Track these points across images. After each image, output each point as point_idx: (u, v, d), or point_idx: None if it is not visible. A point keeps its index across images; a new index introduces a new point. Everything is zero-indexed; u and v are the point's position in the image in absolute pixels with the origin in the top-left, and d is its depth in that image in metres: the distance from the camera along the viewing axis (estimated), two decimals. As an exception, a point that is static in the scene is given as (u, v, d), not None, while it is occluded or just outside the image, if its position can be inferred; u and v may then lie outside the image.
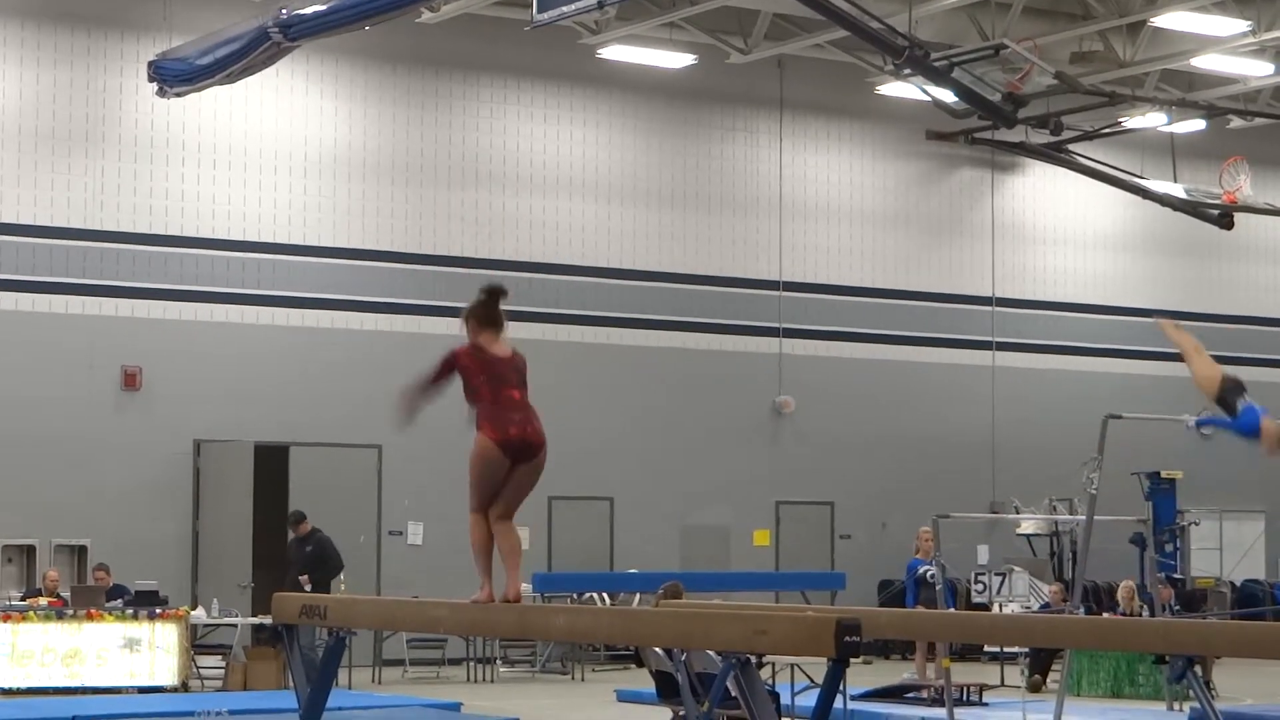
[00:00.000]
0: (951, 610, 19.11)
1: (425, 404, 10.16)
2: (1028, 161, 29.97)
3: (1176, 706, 18.94)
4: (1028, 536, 28.68)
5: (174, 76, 21.40)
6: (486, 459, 9.92)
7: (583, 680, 23.73)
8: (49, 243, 23.78)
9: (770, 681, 16.61)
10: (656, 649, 13.45)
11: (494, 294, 10.08)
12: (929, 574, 20.76)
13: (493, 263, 25.35)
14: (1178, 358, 30.19)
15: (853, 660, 8.46)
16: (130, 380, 24.15)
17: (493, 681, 23.54)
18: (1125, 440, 20.56)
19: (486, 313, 10.05)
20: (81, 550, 23.56)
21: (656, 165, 27.73)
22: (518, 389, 10.03)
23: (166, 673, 20.71)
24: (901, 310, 29.45)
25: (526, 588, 23.57)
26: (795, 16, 25.72)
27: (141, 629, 20.67)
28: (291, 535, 22.09)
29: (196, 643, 21.69)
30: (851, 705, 18.15)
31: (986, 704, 19.90)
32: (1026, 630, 13.60)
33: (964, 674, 20.83)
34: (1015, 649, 22.21)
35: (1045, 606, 23.59)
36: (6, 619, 20.25)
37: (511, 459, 9.94)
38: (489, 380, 9.95)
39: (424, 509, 25.07)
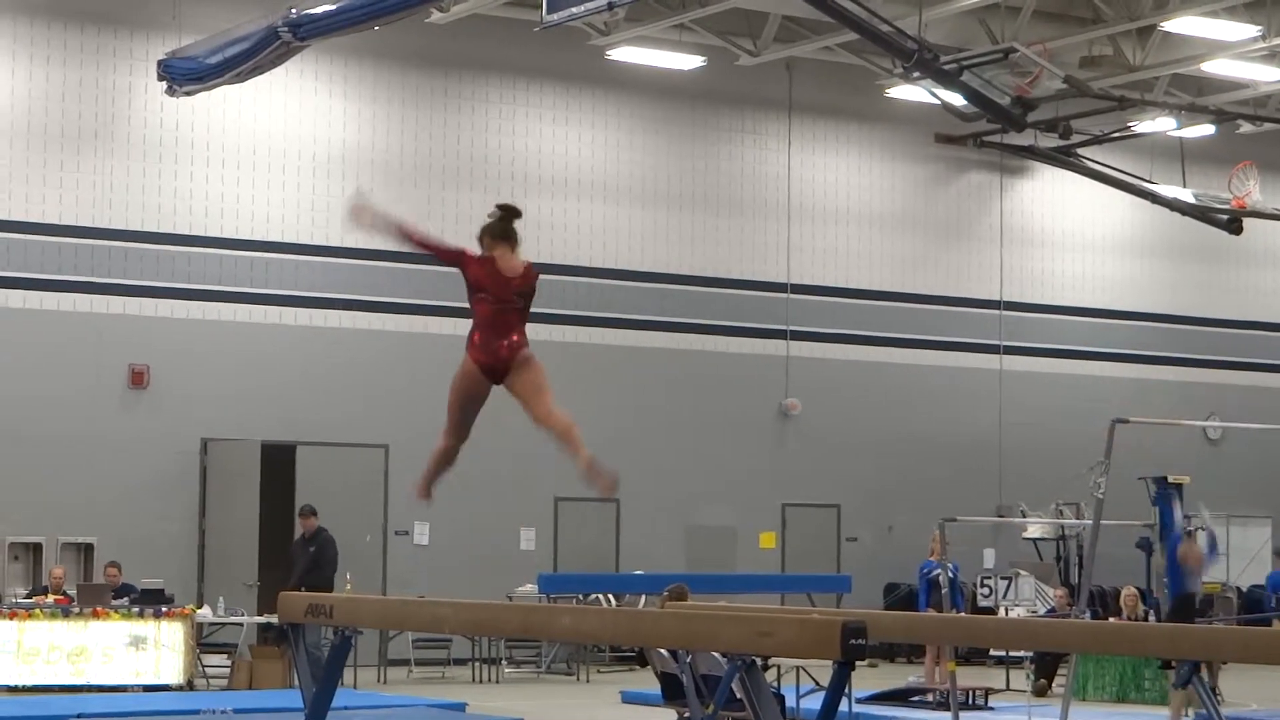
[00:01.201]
0: (958, 614, 19.12)
1: (385, 232, 10.33)
2: (1036, 165, 29.96)
3: (1183, 712, 18.91)
4: (1034, 540, 28.65)
5: (183, 75, 21.42)
6: (464, 378, 9.98)
7: (588, 681, 23.73)
8: (57, 241, 23.80)
9: (775, 684, 16.62)
10: (662, 650, 13.46)
11: (508, 212, 10.11)
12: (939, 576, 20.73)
13: (500, 263, 25.35)
14: (1185, 363, 30.42)
15: (858, 663, 8.45)
16: (137, 379, 24.17)
17: (498, 682, 23.54)
18: (1132, 444, 20.56)
19: (501, 228, 10.08)
20: (88, 548, 23.58)
21: (665, 167, 27.73)
22: (514, 313, 10.00)
23: (172, 671, 20.74)
24: (909, 313, 29.44)
25: (531, 589, 23.62)
26: (804, 19, 25.72)
27: (147, 627, 20.69)
28: (299, 531, 22.08)
29: (202, 641, 21.72)
30: (856, 708, 18.13)
31: (992, 708, 19.90)
32: (1032, 634, 13.59)
33: (969, 678, 20.83)
34: (1021, 653, 22.20)
35: (1051, 611, 23.58)
36: (13, 616, 20.29)
37: (491, 378, 9.95)
38: (492, 298, 9.97)
39: (430, 509, 24.76)
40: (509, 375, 9.92)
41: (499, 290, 9.94)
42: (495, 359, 9.89)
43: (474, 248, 10.13)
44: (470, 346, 9.96)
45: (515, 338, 9.94)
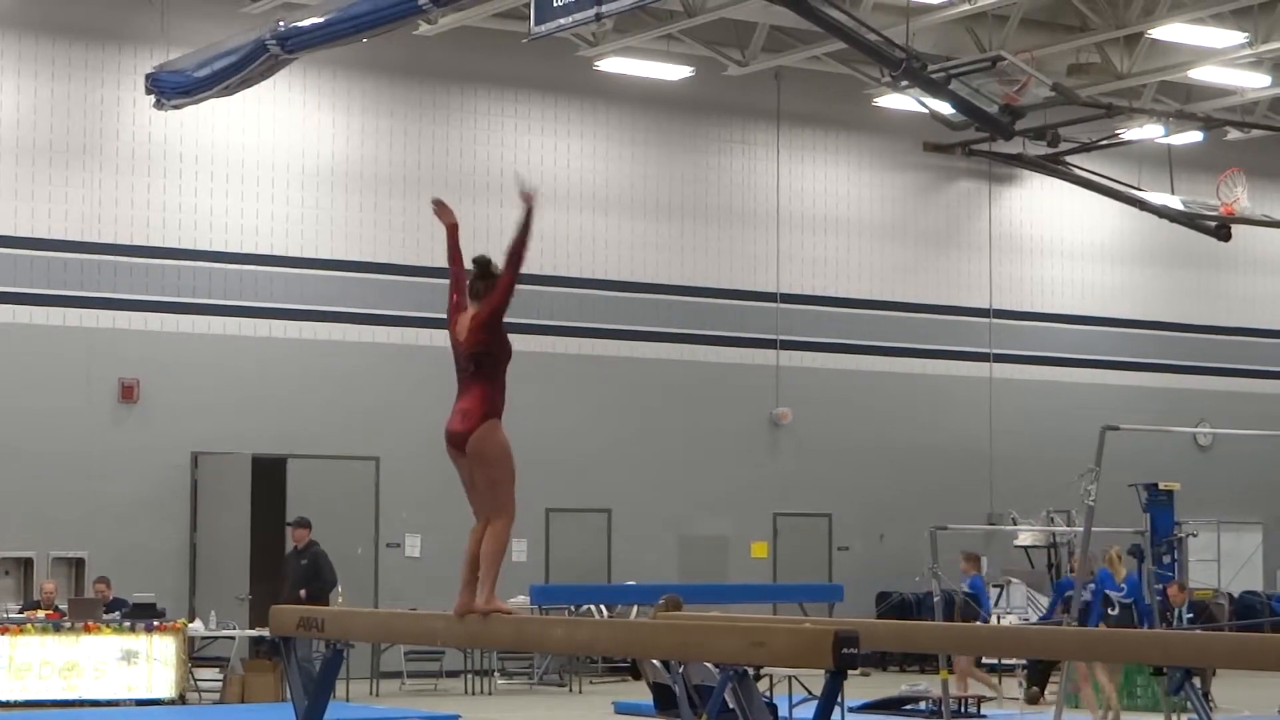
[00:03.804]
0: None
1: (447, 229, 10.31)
2: (1025, 173, 29.96)
3: (1175, 718, 18.92)
4: (1025, 548, 28.66)
5: (171, 89, 21.40)
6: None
7: (580, 692, 23.72)
8: (46, 255, 23.78)
9: (768, 694, 16.61)
10: (654, 661, 13.45)
11: (478, 268, 9.95)
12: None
13: (490, 275, 25.34)
14: (1175, 369, 30.30)
15: (850, 672, 8.46)
16: (127, 393, 24.14)
17: (490, 694, 23.53)
18: (1123, 451, 20.57)
19: (473, 287, 9.92)
20: (79, 563, 23.54)
21: (654, 177, 27.74)
22: (465, 379, 9.77)
23: (164, 685, 20.72)
24: (899, 322, 29.46)
25: (523, 599, 23.59)
26: (792, 29, 25.74)
27: (139, 641, 20.67)
28: (290, 544, 22.04)
29: (194, 655, 21.70)
30: (849, 717, 18.14)
31: (984, 716, 19.91)
32: (1024, 642, 13.59)
33: (962, 686, 20.81)
34: (1013, 661, 22.20)
35: (1043, 619, 23.57)
36: (4, 631, 20.26)
37: (454, 447, 9.75)
38: (456, 362, 9.89)
39: (422, 521, 25.06)
40: (469, 454, 9.69)
41: (456, 353, 9.83)
42: (449, 424, 9.71)
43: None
44: None
45: (463, 405, 9.68)
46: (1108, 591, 18.66)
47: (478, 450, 9.64)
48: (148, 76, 21.88)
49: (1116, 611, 18.48)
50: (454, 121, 26.32)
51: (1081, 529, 17.27)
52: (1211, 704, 18.37)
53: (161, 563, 23.84)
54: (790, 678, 17.50)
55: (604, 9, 18.01)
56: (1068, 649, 13.36)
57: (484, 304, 9.72)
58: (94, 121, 24.12)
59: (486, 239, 28.69)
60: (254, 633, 21.77)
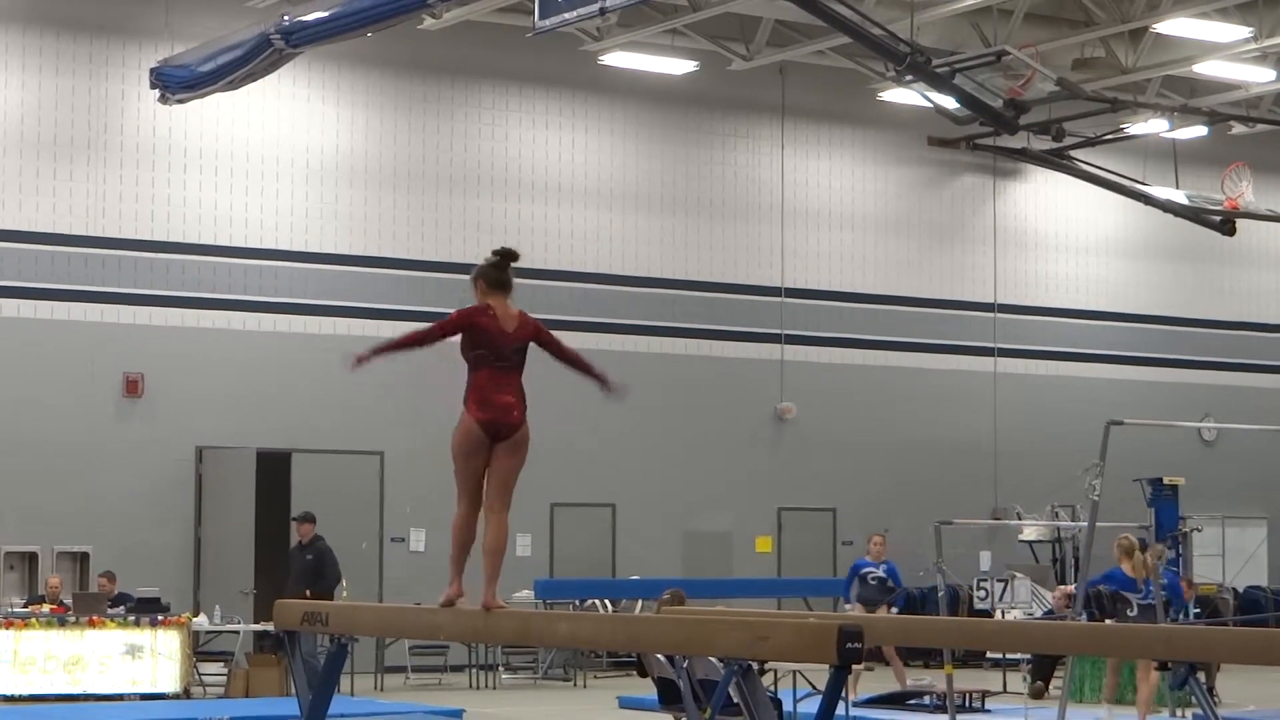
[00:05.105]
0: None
1: (385, 357, 10.24)
2: (1029, 168, 29.95)
3: (1179, 713, 18.92)
4: (1030, 543, 28.67)
5: (176, 83, 21.42)
6: (466, 438, 9.78)
7: (585, 687, 23.72)
8: (51, 250, 23.80)
9: (772, 688, 16.61)
10: (659, 655, 13.45)
11: (506, 256, 9.97)
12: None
13: (494, 269, 25.33)
14: (1179, 364, 30.24)
15: (854, 667, 8.45)
16: (132, 387, 24.16)
17: (495, 688, 23.54)
18: (1127, 446, 20.54)
19: (498, 276, 9.94)
20: (83, 557, 23.57)
21: (658, 171, 27.74)
22: (511, 370, 9.89)
23: (168, 680, 20.72)
24: (903, 316, 29.45)
25: (527, 595, 23.59)
26: (797, 23, 25.74)
27: (143, 636, 20.68)
28: (295, 539, 22.05)
29: (198, 649, 21.71)
30: (853, 712, 18.13)
31: (989, 710, 19.91)
32: (1028, 637, 13.59)
33: (966, 680, 20.82)
34: (1017, 655, 22.19)
35: (1049, 613, 23.57)
36: (9, 626, 20.27)
37: (491, 437, 9.77)
38: (489, 353, 9.84)
39: (426, 515, 25.04)
40: (503, 444, 9.76)
41: (497, 343, 9.82)
42: (495, 415, 9.75)
43: (457, 309, 10.03)
44: (468, 405, 9.80)
45: (511, 397, 9.82)
46: (1123, 593, 18.25)
47: (523, 441, 9.87)
48: (152, 71, 21.90)
49: (1135, 613, 17.94)
50: (458, 116, 26.32)
51: (1086, 524, 17.23)
52: (1216, 699, 18.35)
53: (166, 557, 23.86)
54: (794, 672, 17.48)
55: (608, 3, 18.01)
56: (1071, 644, 13.35)
57: (547, 335, 10.13)
58: (98, 116, 24.14)
59: (490, 233, 28.80)
60: (258, 627, 21.78)
